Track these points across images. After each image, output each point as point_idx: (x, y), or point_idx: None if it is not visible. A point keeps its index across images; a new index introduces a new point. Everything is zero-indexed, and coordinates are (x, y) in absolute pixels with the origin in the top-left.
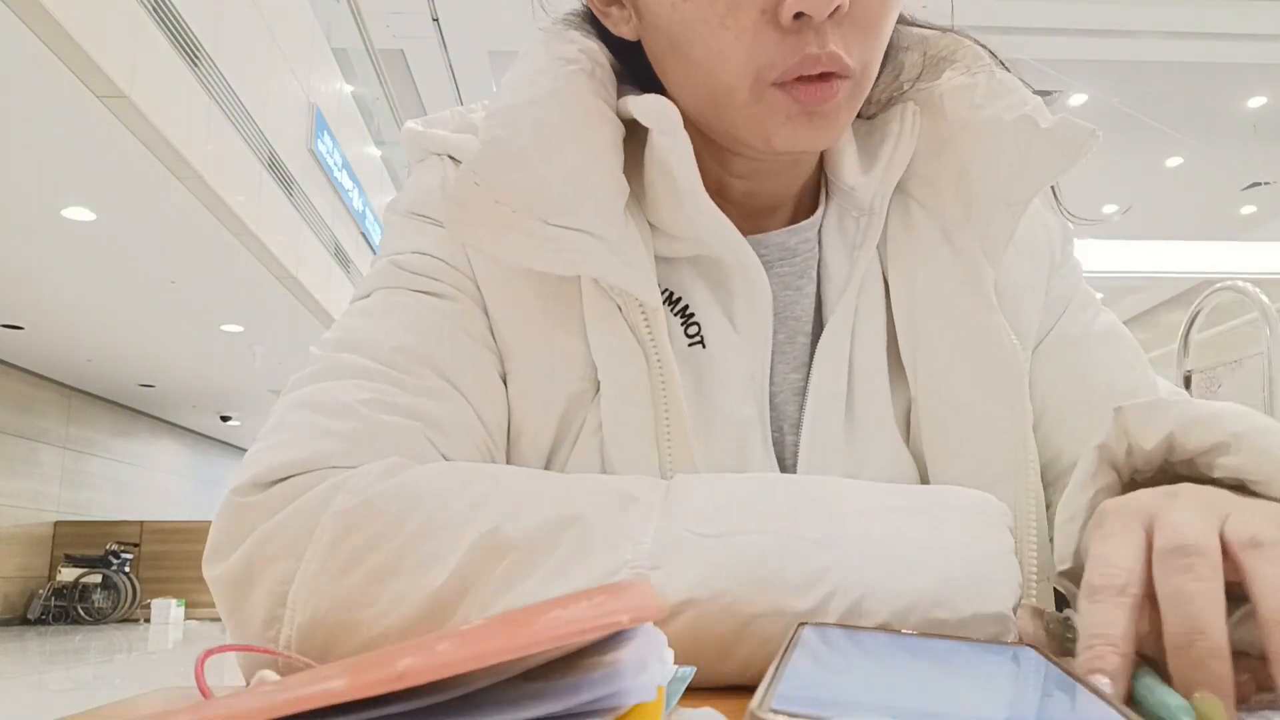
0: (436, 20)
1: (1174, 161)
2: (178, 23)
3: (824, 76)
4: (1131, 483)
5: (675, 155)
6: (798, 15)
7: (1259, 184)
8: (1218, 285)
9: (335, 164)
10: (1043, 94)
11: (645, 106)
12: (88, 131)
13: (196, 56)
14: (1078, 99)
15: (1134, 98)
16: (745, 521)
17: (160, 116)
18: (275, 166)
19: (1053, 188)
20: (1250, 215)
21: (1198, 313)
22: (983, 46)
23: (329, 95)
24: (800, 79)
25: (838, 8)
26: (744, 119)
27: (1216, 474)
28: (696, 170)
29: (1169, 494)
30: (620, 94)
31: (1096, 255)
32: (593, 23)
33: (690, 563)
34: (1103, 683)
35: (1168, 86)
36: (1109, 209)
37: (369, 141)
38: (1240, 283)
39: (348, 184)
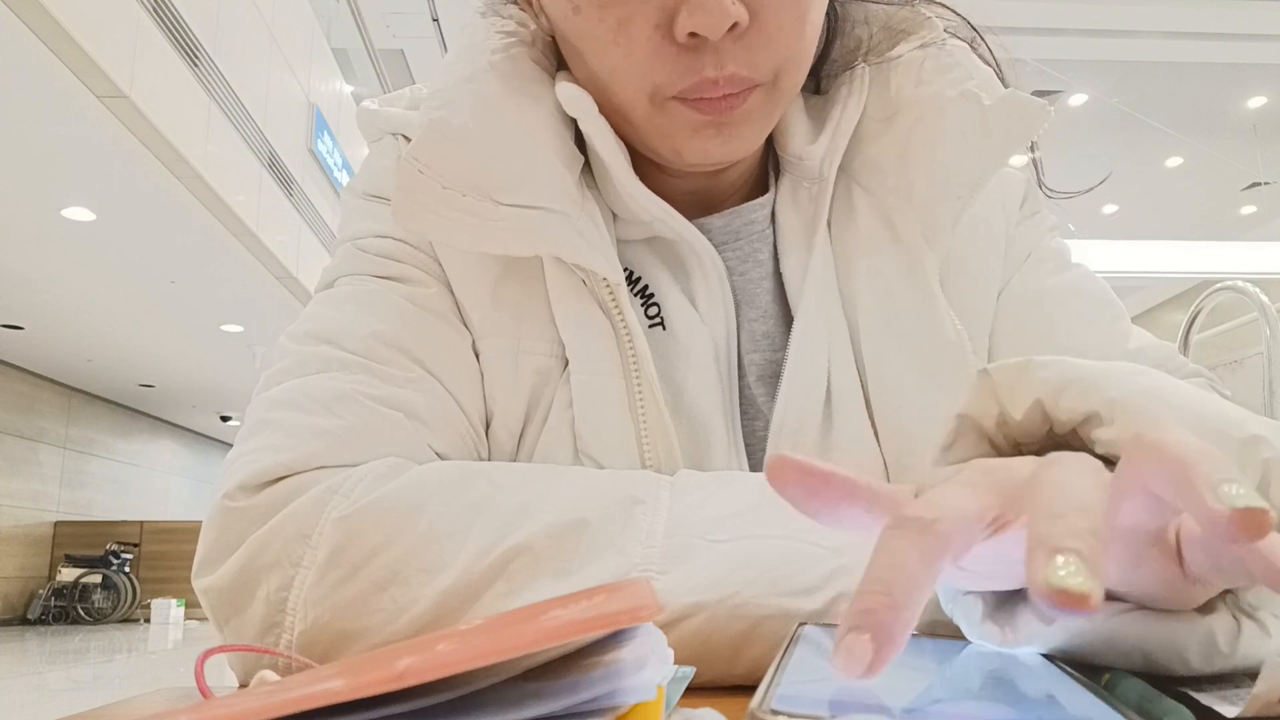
0: (436, 20)
1: (1174, 161)
2: (178, 23)
3: (727, 94)
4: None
5: (597, 140)
6: (693, 33)
7: (1259, 184)
8: (1218, 285)
9: (335, 164)
10: (1042, 94)
11: (563, 93)
12: (88, 131)
13: (196, 56)
14: (1078, 99)
15: (1134, 98)
16: (754, 526)
17: (160, 116)
18: (275, 166)
19: (1034, 157)
20: (1250, 215)
21: (1198, 313)
22: (950, 10)
23: (329, 95)
24: (701, 97)
25: (735, 24)
26: (650, 132)
27: (1098, 450)
28: (622, 154)
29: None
30: (561, 68)
31: (1096, 255)
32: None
33: (700, 568)
34: (860, 647)
35: (1168, 86)
36: (1109, 209)
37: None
38: (1240, 283)
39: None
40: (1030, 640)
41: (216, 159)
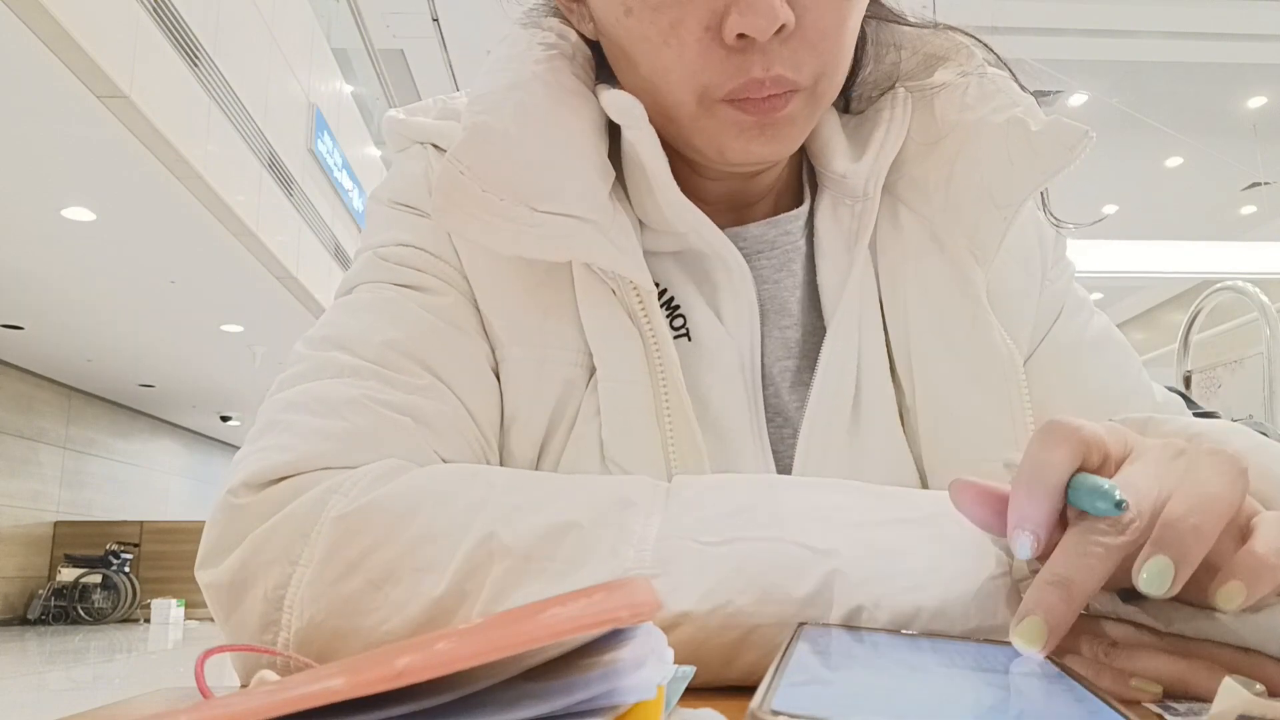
0: (436, 20)
1: (1174, 161)
2: (178, 23)
3: (771, 95)
4: None
5: (643, 148)
6: (741, 35)
7: (1259, 184)
8: (1218, 285)
9: (335, 164)
10: (1042, 94)
11: (611, 101)
12: (88, 131)
13: (196, 56)
14: (1078, 99)
15: (1134, 98)
16: (748, 529)
17: (160, 116)
18: (275, 166)
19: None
20: (1250, 215)
21: (1198, 313)
22: (980, 43)
23: (329, 95)
24: (747, 98)
25: (783, 26)
26: (695, 132)
27: None
28: (665, 164)
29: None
30: (598, 81)
31: (1097, 255)
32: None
33: (692, 572)
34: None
35: (1168, 86)
36: (1109, 209)
37: (369, 141)
38: (1240, 283)
39: (348, 184)
40: (1180, 622)
41: (216, 159)
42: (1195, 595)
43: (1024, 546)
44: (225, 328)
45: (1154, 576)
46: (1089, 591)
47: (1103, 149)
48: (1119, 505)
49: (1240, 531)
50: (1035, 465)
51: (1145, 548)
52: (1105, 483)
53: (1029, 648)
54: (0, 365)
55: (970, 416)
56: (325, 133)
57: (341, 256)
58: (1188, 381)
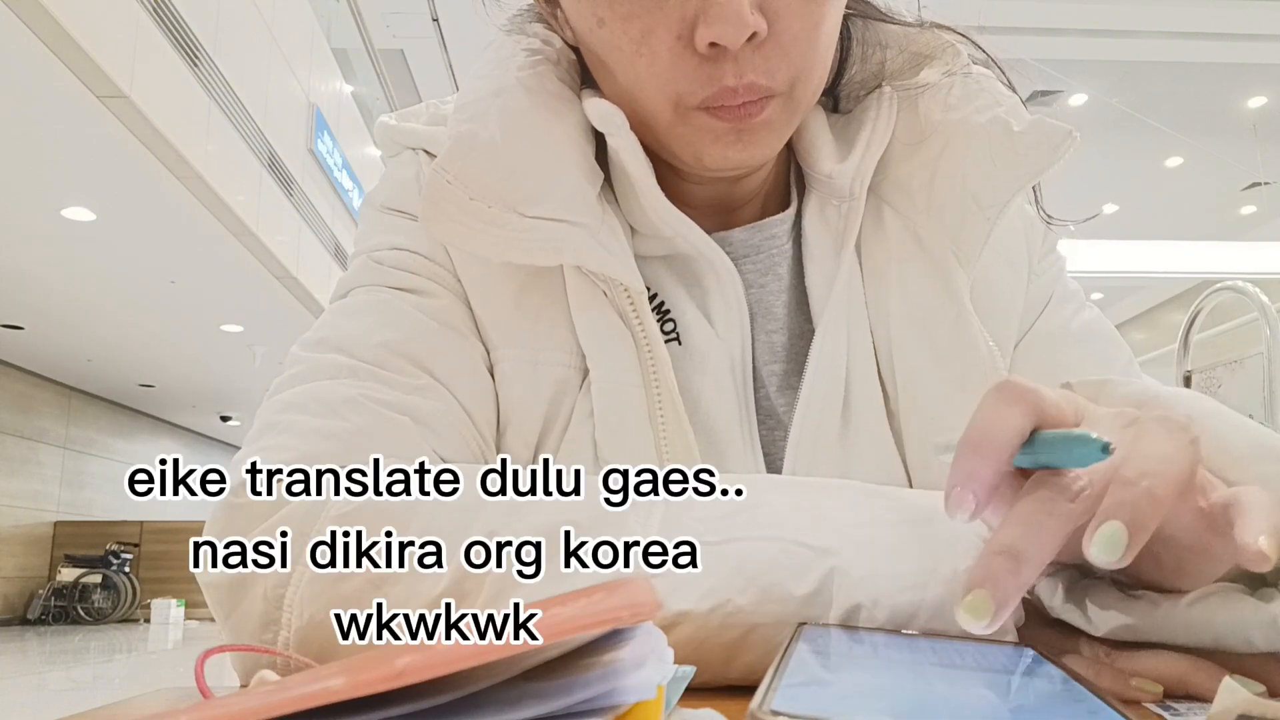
0: (436, 20)
1: (1174, 161)
2: (178, 23)
3: (746, 102)
4: None
5: (625, 155)
6: (713, 43)
7: (1259, 184)
8: (1218, 285)
9: (335, 164)
10: (1042, 94)
11: (592, 108)
12: (88, 131)
13: (196, 56)
14: (1078, 99)
15: (1134, 98)
16: (747, 528)
17: (160, 116)
18: (275, 166)
19: (1033, 187)
20: (1250, 215)
21: (1198, 313)
22: (967, 39)
23: (329, 95)
24: (722, 105)
25: (754, 34)
26: (672, 139)
27: None
28: (648, 169)
29: (1129, 421)
30: (584, 86)
31: (1097, 255)
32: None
33: (690, 574)
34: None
35: (1168, 86)
36: (1109, 209)
37: (369, 141)
38: (1240, 283)
39: (348, 184)
40: (1108, 622)
41: (216, 159)
42: (1154, 575)
43: (962, 505)
44: (225, 328)
45: (1106, 543)
46: (1039, 563)
47: (1103, 149)
48: (1105, 450)
49: (1198, 504)
50: (985, 421)
51: (1096, 515)
52: (1080, 430)
53: (975, 623)
54: (0, 365)
55: (952, 418)
56: (325, 133)
57: (341, 256)
58: (1188, 381)
